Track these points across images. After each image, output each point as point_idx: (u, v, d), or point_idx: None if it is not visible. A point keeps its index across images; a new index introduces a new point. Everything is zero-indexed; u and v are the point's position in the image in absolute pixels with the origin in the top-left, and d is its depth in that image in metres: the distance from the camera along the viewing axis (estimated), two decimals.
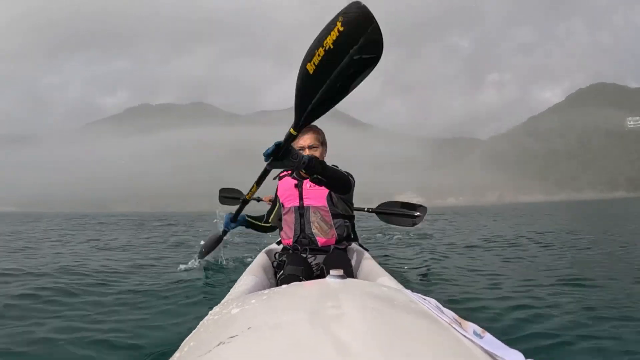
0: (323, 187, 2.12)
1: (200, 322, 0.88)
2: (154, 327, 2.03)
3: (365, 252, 2.48)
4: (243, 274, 2.01)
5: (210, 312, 0.93)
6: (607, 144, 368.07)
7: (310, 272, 2.13)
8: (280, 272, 2.11)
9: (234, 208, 2.49)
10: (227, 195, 4.41)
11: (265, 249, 2.67)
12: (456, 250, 5.48)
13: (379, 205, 3.76)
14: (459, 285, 3.18)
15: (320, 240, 2.22)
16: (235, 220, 2.48)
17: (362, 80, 1.34)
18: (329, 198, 2.24)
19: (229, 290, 1.69)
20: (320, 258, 2.22)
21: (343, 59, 1.28)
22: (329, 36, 1.27)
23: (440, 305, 0.85)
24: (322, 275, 2.07)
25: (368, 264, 2.30)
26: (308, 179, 2.18)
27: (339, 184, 2.00)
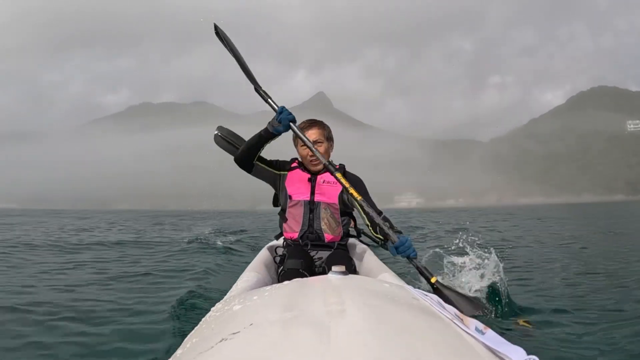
0: (337, 185, 2.18)
1: (203, 319, 0.89)
2: (156, 324, 2.03)
3: (367, 248, 2.45)
4: (245, 271, 2.02)
5: (212, 308, 0.94)
6: (607, 147, 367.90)
7: (311, 265, 2.12)
8: (281, 267, 2.10)
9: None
10: (228, 139, 2.84)
11: (267, 245, 2.70)
12: (458, 248, 5.63)
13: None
14: (459, 281, 3.06)
15: (328, 236, 2.22)
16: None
17: None
18: (341, 196, 2.24)
19: (231, 287, 1.70)
20: (322, 253, 2.21)
21: None
22: None
23: (442, 301, 0.86)
24: (324, 271, 2.04)
25: (370, 260, 2.28)
26: (322, 175, 2.22)
27: None
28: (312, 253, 2.21)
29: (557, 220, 13.89)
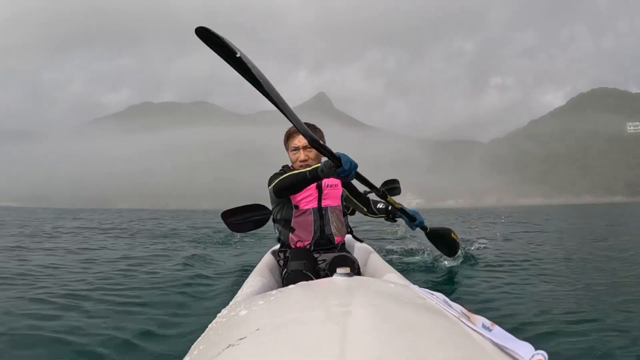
0: (339, 187, 2.21)
1: (209, 325, 0.88)
2: (163, 331, 2.01)
3: (370, 248, 2.44)
4: (250, 276, 2.01)
5: (218, 315, 0.94)
6: (607, 148, 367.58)
7: (315, 266, 2.10)
8: (285, 269, 2.08)
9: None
10: (240, 220, 3.15)
11: (271, 249, 2.66)
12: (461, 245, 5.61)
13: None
14: (466, 280, 3.15)
15: (337, 238, 2.23)
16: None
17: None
18: (342, 197, 2.26)
19: (236, 293, 1.69)
20: (325, 255, 2.20)
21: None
22: None
23: (448, 300, 0.85)
24: (329, 273, 2.07)
25: (374, 260, 2.26)
26: (325, 179, 2.09)
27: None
28: (316, 255, 2.20)
29: (560, 221, 13.95)
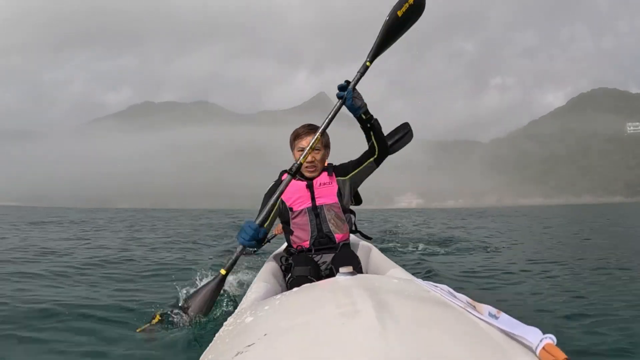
0: (333, 184, 2.22)
1: (216, 334, 0.88)
2: (171, 343, 1.94)
3: (372, 245, 2.43)
4: (253, 282, 1.99)
5: (225, 323, 0.95)
6: (607, 149, 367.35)
7: (318, 271, 2.12)
8: (289, 275, 2.09)
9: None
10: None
11: (273, 254, 2.67)
12: (460, 243, 5.61)
13: None
14: (469, 271, 3.18)
15: (338, 236, 2.23)
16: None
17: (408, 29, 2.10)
18: (338, 194, 2.25)
19: (241, 300, 1.68)
20: (327, 257, 2.20)
21: (410, 12, 2.05)
22: None
23: (452, 291, 0.86)
24: (331, 274, 2.07)
25: (376, 257, 2.26)
26: (317, 178, 2.21)
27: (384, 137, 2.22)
28: (316, 258, 2.20)
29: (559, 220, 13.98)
